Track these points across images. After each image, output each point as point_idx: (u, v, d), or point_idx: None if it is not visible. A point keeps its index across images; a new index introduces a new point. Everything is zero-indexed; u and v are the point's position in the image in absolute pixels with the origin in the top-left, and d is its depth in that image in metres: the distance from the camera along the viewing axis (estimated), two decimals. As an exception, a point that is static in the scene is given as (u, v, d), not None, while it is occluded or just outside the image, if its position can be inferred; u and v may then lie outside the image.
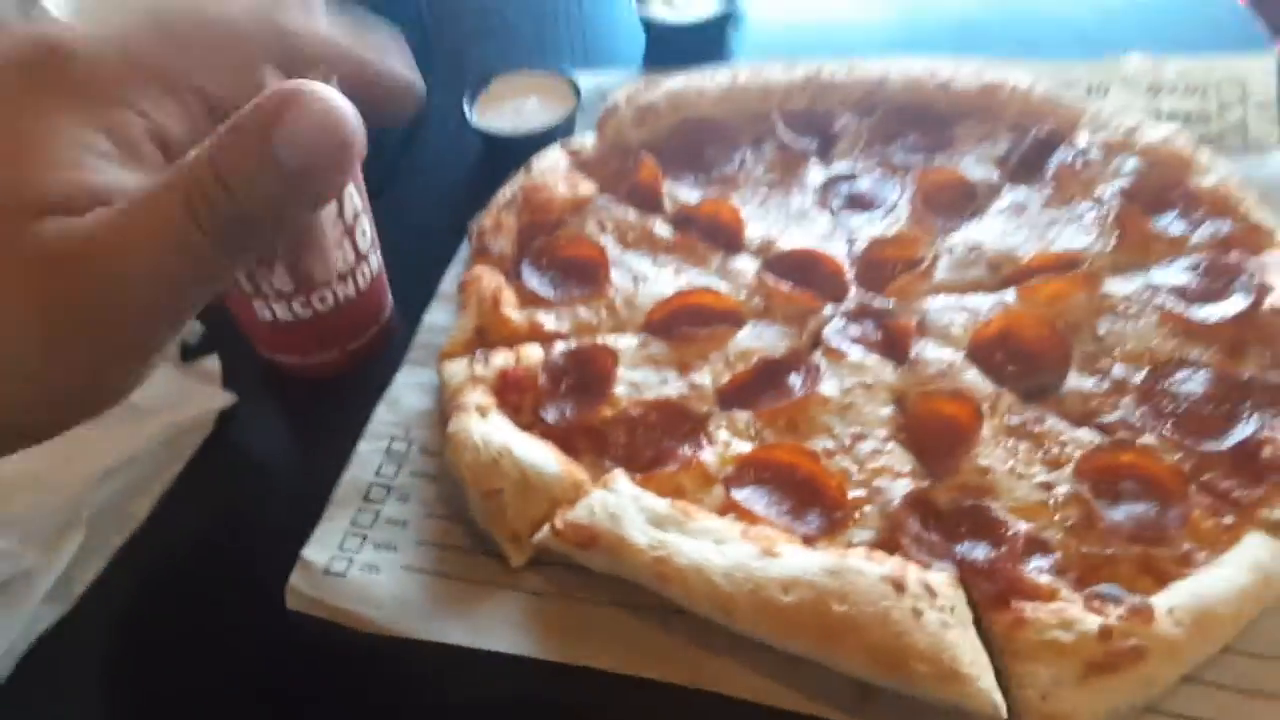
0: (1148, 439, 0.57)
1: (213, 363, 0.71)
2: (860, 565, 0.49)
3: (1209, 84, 0.81)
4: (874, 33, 0.97)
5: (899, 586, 0.48)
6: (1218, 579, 0.50)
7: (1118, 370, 0.60)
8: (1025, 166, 0.75)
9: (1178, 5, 0.94)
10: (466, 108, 0.86)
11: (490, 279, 0.70)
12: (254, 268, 0.61)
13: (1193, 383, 0.59)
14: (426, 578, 0.56)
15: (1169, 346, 0.61)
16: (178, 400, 0.67)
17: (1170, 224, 0.68)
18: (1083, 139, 0.75)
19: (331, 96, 0.34)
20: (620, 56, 0.98)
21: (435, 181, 0.87)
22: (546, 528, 0.54)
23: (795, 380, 0.63)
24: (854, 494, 0.56)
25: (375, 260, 0.67)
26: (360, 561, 0.57)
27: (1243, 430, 0.56)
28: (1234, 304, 0.62)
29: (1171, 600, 0.49)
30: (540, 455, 0.58)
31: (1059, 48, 0.90)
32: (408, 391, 0.67)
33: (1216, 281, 0.64)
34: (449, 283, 0.74)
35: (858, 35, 0.97)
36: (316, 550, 0.58)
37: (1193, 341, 0.61)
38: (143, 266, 0.34)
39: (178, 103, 0.37)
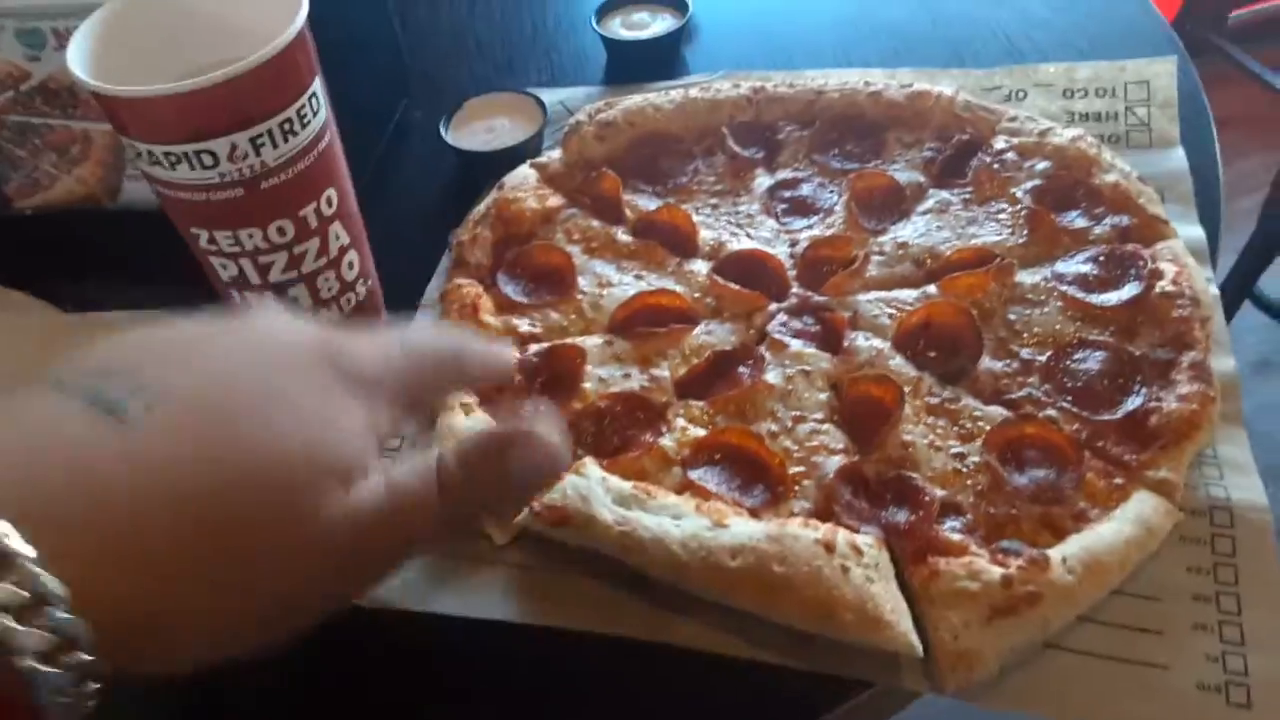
0: (1049, 412, 0.65)
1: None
2: (796, 531, 0.57)
3: (1118, 85, 0.89)
4: (816, 44, 1.05)
5: (829, 547, 0.56)
6: (1106, 532, 0.58)
7: (1025, 353, 0.68)
8: (948, 170, 0.83)
9: (1098, 14, 1.03)
10: (443, 128, 0.93)
11: (469, 288, 0.77)
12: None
13: (1090, 361, 0.67)
14: (420, 558, 0.64)
15: (1070, 330, 0.69)
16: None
17: (1075, 219, 0.77)
18: (1000, 142, 0.83)
19: (552, 440, 0.47)
20: (584, 74, 1.05)
21: (416, 198, 0.94)
22: (526, 510, 0.62)
23: (744, 371, 0.71)
24: (794, 469, 0.64)
25: (363, 288, 0.74)
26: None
27: (1133, 402, 0.64)
28: (1128, 290, 0.70)
29: (1065, 551, 0.57)
30: (518, 446, 0.65)
31: (986, 55, 0.98)
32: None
33: (1114, 270, 0.72)
34: (432, 293, 0.82)
35: (801, 47, 1.04)
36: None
37: (1091, 324, 0.69)
38: (412, 534, 0.44)
39: (393, 408, 0.46)
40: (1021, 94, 0.91)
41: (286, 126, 0.61)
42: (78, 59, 0.59)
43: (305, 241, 0.67)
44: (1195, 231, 0.76)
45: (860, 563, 0.56)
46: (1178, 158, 0.83)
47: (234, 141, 0.59)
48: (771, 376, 0.69)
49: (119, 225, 0.89)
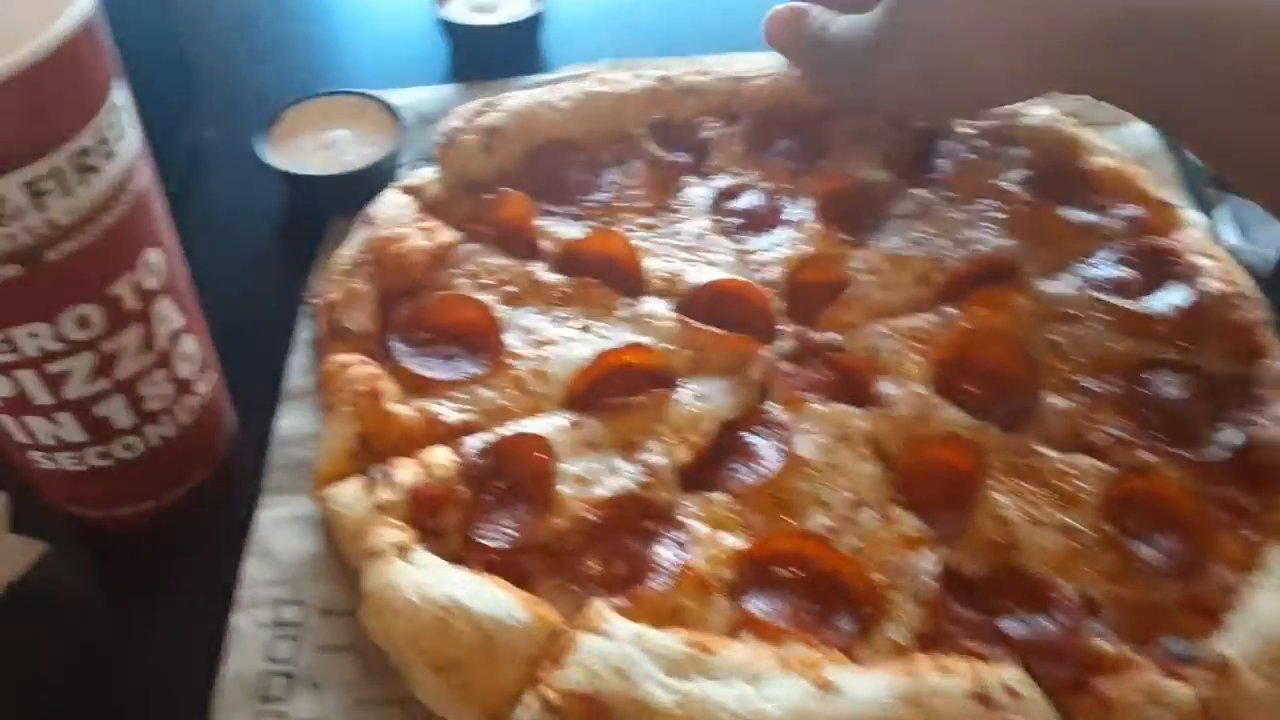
0: (1144, 456, 0.53)
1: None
2: (934, 683, 0.41)
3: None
4: (697, 27, 0.89)
5: (984, 700, 0.41)
6: (1267, 607, 0.46)
7: (1089, 383, 0.56)
8: (915, 163, 0.70)
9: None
10: (259, 147, 0.69)
11: (358, 367, 0.55)
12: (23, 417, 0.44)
13: (1165, 387, 0.56)
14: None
15: (1126, 348, 0.57)
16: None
17: (1079, 213, 0.65)
18: (964, 127, 0.71)
19: None
20: (421, 71, 0.84)
21: (234, 245, 0.70)
22: (531, 700, 0.42)
23: (759, 441, 0.54)
24: (874, 578, 0.48)
25: (206, 385, 0.51)
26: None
27: (1233, 436, 0.53)
28: (1176, 293, 0.59)
29: (1240, 645, 0.45)
30: (496, 600, 0.45)
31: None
32: (278, 532, 0.52)
33: (1147, 271, 0.61)
34: (296, 377, 0.59)
35: (681, 31, 0.88)
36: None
37: (1148, 340, 0.58)
38: None
39: None
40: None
41: (82, 159, 0.38)
42: None
43: (119, 333, 0.43)
44: (1198, 217, 0.67)
45: (1021, 710, 0.41)
46: (1141, 131, 0.74)
47: (-1, 191, 0.35)
48: (804, 448, 0.53)
49: None
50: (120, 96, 0.39)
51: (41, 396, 0.43)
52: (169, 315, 0.46)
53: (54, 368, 0.42)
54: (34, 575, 0.50)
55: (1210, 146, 0.55)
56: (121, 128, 0.40)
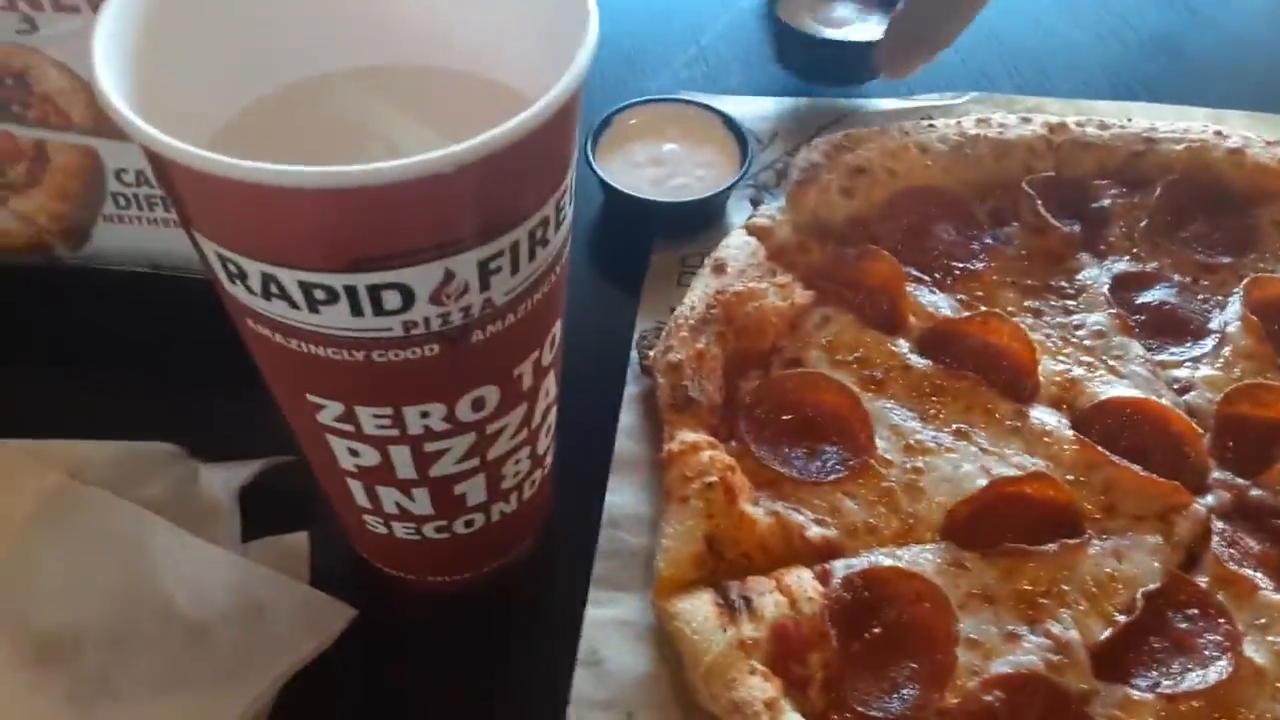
0: None
1: (298, 542, 0.48)
2: None
3: None
4: (1069, 59, 0.77)
5: None
6: None
7: None
8: (1374, 278, 0.57)
9: None
10: (589, 155, 0.62)
11: (710, 453, 0.47)
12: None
13: None
14: None
15: None
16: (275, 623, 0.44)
17: None
18: None
19: None
20: (734, 75, 0.75)
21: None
22: None
23: (1191, 628, 0.44)
24: None
25: (551, 456, 0.44)
26: None
27: None
28: None
29: None
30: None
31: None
32: (610, 640, 0.44)
33: None
34: (626, 442, 0.51)
35: (1050, 61, 0.76)
36: None
37: None
38: None
39: None
40: None
41: (538, 234, 0.30)
42: (109, 75, 0.27)
43: (509, 413, 0.37)
44: None
45: None
46: None
47: (450, 269, 0.28)
48: (1256, 653, 0.42)
49: (83, 288, 0.57)
50: (576, 153, 0.32)
51: (406, 472, 0.37)
52: (550, 390, 0.39)
53: (432, 446, 0.36)
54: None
55: None
56: (572, 190, 0.32)
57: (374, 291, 0.28)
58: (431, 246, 0.27)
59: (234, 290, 0.30)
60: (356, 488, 0.39)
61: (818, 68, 0.74)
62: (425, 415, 0.34)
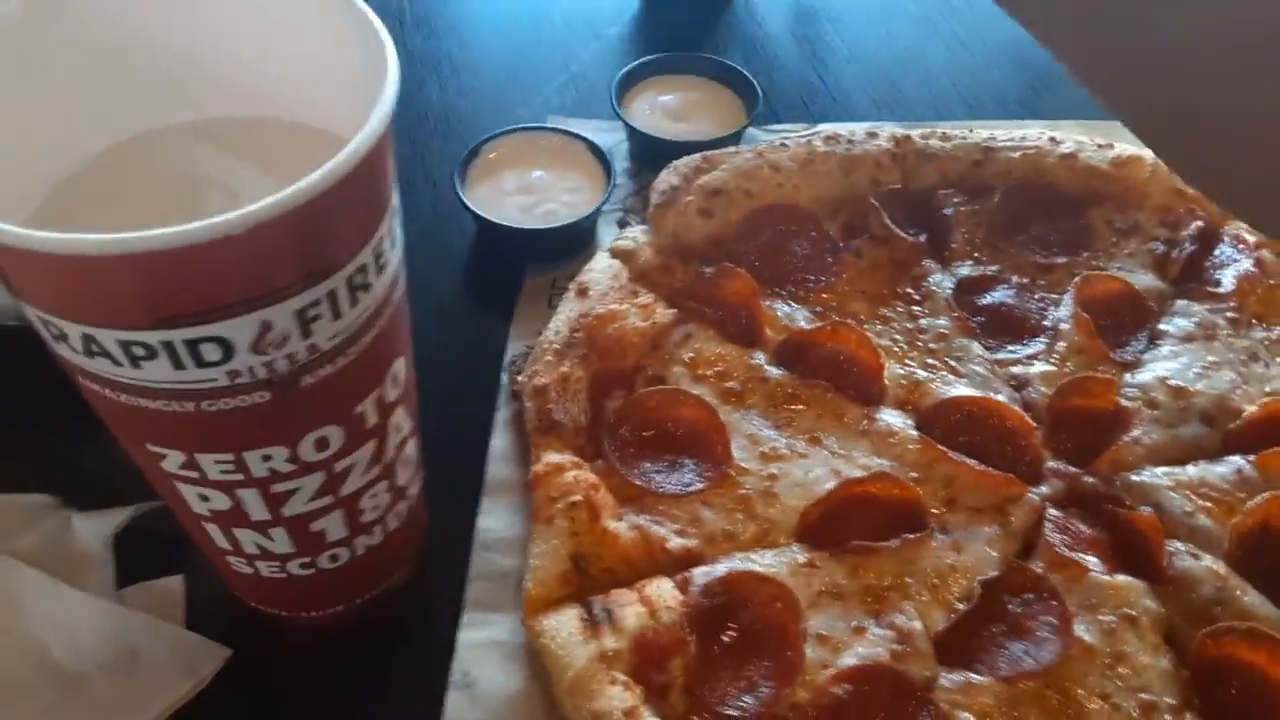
0: None
1: (172, 586, 0.48)
2: None
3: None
4: (923, 77, 0.81)
5: None
6: None
7: None
8: (1191, 272, 0.61)
9: None
10: (458, 185, 0.64)
11: (573, 472, 0.49)
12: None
13: None
14: None
15: None
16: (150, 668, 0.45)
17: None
18: (1244, 233, 0.62)
19: None
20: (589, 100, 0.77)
21: (425, 291, 0.65)
22: None
23: (1024, 612, 0.47)
24: (1180, 812, 0.40)
25: (415, 488, 0.45)
26: None
27: None
28: None
29: None
30: (742, 798, 0.39)
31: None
32: (482, 661, 0.46)
33: None
34: (498, 465, 0.53)
35: (907, 82, 0.80)
36: None
37: None
38: None
39: None
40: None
41: (357, 278, 0.32)
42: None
43: (355, 451, 0.38)
44: None
45: None
46: None
47: (266, 319, 0.30)
48: (1085, 632, 0.45)
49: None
50: (395, 197, 0.34)
51: (259, 513, 0.38)
52: (401, 424, 0.40)
53: (280, 487, 0.37)
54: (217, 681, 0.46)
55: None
56: (394, 234, 0.34)
57: (191, 345, 0.29)
58: (242, 301, 0.28)
59: (60, 349, 0.31)
60: (214, 531, 0.40)
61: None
62: (268, 459, 0.35)
